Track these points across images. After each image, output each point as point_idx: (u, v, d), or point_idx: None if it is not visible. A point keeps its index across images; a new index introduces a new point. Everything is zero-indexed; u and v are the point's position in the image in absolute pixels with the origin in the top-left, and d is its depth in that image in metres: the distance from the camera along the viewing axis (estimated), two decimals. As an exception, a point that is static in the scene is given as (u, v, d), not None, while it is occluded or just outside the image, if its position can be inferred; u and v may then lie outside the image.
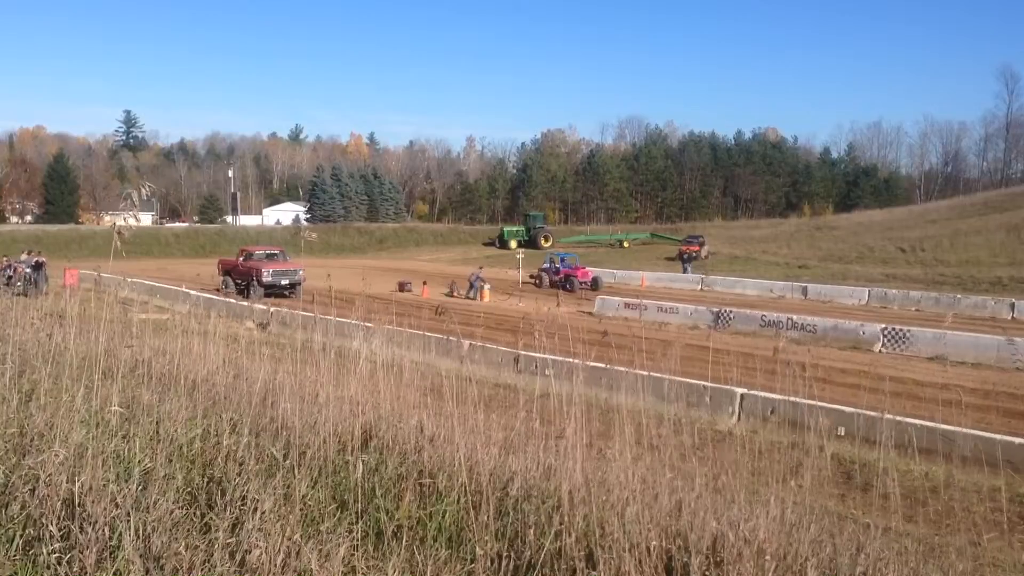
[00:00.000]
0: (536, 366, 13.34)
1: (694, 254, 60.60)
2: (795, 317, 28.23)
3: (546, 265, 45.13)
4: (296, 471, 4.50)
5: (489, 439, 5.25)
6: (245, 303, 26.80)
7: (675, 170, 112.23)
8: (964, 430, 8.87)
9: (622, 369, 6.06)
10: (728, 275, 50.27)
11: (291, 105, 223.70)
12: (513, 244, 71.90)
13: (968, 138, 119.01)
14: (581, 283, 42.57)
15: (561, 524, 3.83)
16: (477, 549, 3.73)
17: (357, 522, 4.01)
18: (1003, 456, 8.85)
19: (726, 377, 11.96)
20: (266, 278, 34.35)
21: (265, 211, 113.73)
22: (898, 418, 8.73)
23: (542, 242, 73.75)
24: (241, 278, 35.71)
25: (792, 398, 11.23)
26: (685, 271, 53.30)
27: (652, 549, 3.53)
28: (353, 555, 3.72)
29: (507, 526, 4.04)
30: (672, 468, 4.63)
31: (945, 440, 8.11)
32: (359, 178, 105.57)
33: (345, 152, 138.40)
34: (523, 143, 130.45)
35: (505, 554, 3.70)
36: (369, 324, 9.92)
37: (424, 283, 40.97)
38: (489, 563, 3.72)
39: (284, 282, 34.70)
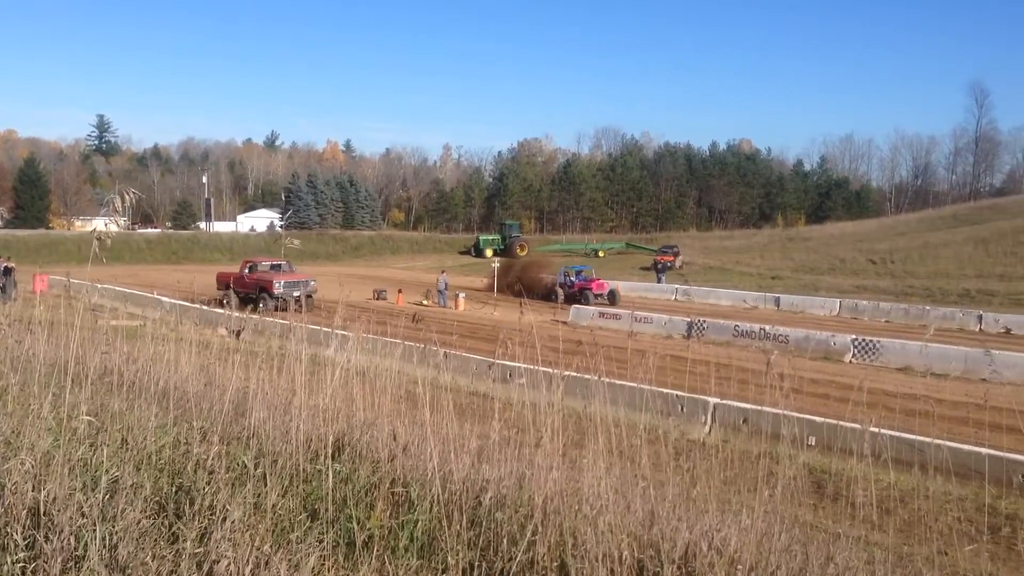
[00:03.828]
0: (511, 375, 13.35)
1: (668, 264, 60.89)
2: (768, 327, 28.43)
3: (561, 279, 43.34)
4: (267, 480, 4.46)
5: (463, 448, 5.23)
6: (220, 310, 26.56)
7: (650, 180, 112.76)
8: (934, 440, 8.94)
9: (596, 378, 6.05)
10: (703, 285, 50.54)
11: (267, 111, 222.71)
12: (489, 253, 71.98)
13: (938, 152, 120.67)
14: (597, 295, 40.85)
15: (534, 534, 3.83)
16: (449, 559, 3.71)
17: (328, 532, 3.98)
18: (972, 467, 8.95)
19: (699, 387, 12.00)
20: (277, 290, 32.88)
21: (239, 217, 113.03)
22: (868, 428, 8.79)
23: (518, 251, 73.78)
24: (246, 290, 34.23)
25: (765, 408, 11.33)
26: (660, 281, 53.53)
27: (624, 559, 3.54)
28: (323, 565, 3.69)
29: (480, 535, 4.02)
30: (645, 478, 4.63)
31: (915, 450, 8.18)
32: (335, 185, 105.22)
33: (321, 159, 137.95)
34: (500, 152, 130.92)
35: (477, 564, 3.69)
36: (344, 332, 9.87)
37: (399, 291, 40.89)
38: (461, 573, 3.71)
39: (296, 294, 32.47)
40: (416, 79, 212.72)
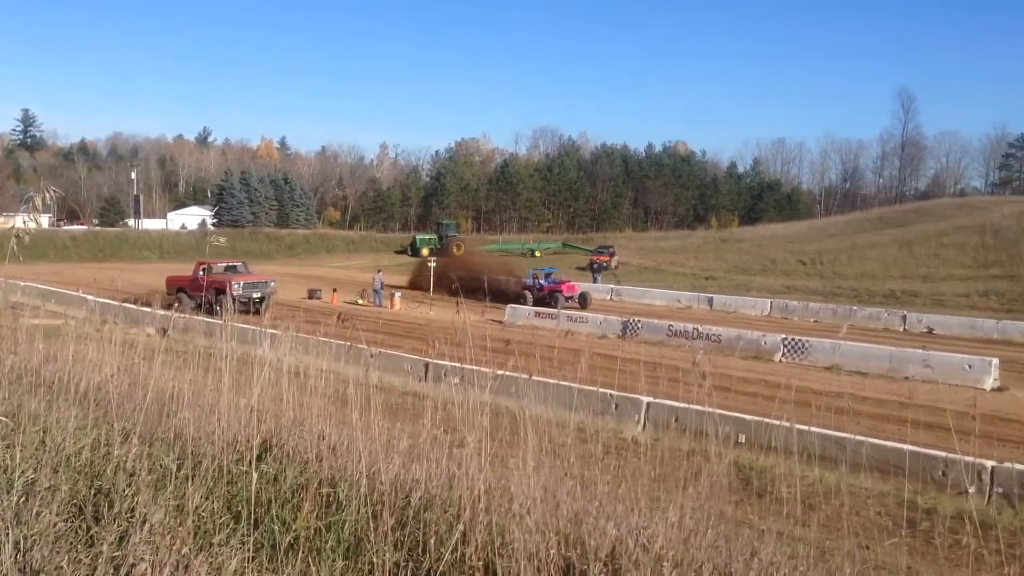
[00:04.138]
0: (445, 374, 13.30)
1: (604, 264, 61.46)
2: (701, 327, 28.87)
3: (529, 281, 42.28)
4: (190, 482, 4.36)
5: (393, 448, 5.19)
6: (147, 309, 25.89)
7: (587, 181, 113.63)
8: (857, 437, 9.19)
9: (528, 377, 6.06)
10: (638, 285, 51.11)
11: (199, 107, 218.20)
12: (425, 252, 71.66)
13: (866, 156, 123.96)
14: (568, 298, 40.10)
15: (462, 533, 3.81)
16: (375, 559, 3.67)
17: (251, 534, 3.90)
18: (894, 462, 9.21)
19: (633, 386, 12.12)
20: (236, 292, 31.07)
21: (170, 215, 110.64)
22: (795, 425, 8.97)
23: (454, 250, 73.66)
24: (201, 294, 32.46)
25: (695, 406, 11.49)
26: (595, 281, 53.97)
27: (551, 558, 3.54)
28: (246, 568, 3.62)
29: (408, 536, 3.99)
30: (575, 476, 4.65)
31: (840, 447, 8.37)
32: (269, 183, 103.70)
33: (255, 156, 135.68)
34: (437, 151, 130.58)
35: (404, 564, 3.65)
36: (275, 331, 9.72)
37: (334, 290, 40.47)
38: (387, 574, 3.67)
39: (256, 295, 32.05)
40: (353, 77, 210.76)
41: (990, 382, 21.18)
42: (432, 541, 3.84)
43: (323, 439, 5.34)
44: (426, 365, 17.58)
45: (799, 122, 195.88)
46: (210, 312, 25.67)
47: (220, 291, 31.36)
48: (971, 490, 10.61)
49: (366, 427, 5.22)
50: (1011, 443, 15.03)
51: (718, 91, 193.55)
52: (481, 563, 3.65)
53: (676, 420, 13.67)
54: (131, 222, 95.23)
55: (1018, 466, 10.95)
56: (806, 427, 8.77)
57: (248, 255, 70.35)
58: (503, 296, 38.85)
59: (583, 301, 40.59)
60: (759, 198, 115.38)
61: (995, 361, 21.91)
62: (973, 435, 8.85)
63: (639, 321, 30.85)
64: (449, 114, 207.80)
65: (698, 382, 5.47)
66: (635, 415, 14.43)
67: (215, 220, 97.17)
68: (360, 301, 39.83)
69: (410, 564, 3.69)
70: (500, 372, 7.73)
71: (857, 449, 8.88)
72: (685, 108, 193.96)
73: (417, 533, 3.98)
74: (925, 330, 34.24)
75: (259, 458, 4.98)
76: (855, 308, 39.44)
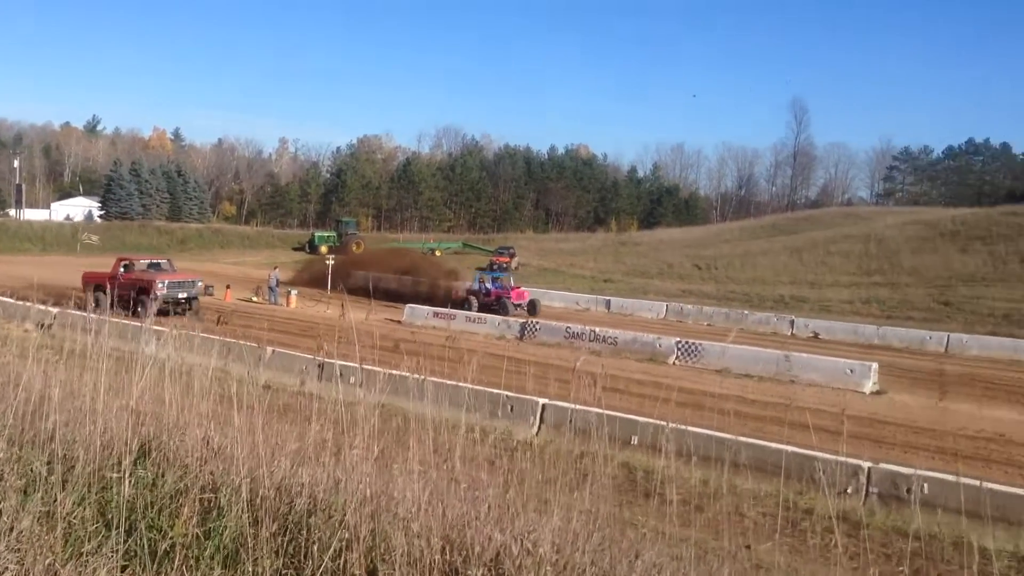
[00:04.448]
0: (340, 374, 13.10)
1: (504, 265, 61.69)
2: (598, 329, 29.27)
3: (475, 286, 40.15)
4: (61, 487, 4.17)
5: (280, 450, 5.07)
6: (27, 303, 24.57)
7: (490, 181, 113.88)
8: (741, 438, 9.43)
9: (422, 379, 6.01)
10: (537, 287, 51.49)
11: (88, 94, 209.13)
12: (324, 249, 70.56)
13: (760, 164, 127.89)
14: (516, 305, 37.75)
15: (346, 539, 3.74)
16: (254, 567, 3.57)
17: (125, 542, 3.75)
18: (776, 463, 9.49)
19: (529, 387, 12.18)
20: (160, 291, 29.21)
21: (53, 205, 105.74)
22: (682, 427, 9.20)
23: (353, 248, 72.79)
24: (122, 292, 28.81)
25: (590, 408, 11.65)
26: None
27: (435, 563, 3.51)
28: (117, 577, 3.47)
29: (290, 542, 3.90)
30: (460, 480, 4.63)
31: (724, 448, 8.58)
32: (161, 175, 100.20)
33: (147, 146, 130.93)
34: (339, 147, 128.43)
35: (284, 571, 3.57)
36: (160, 328, 9.40)
37: (227, 287, 39.44)
38: (266, 581, 3.58)
39: (182, 296, 30.32)
40: (252, 69, 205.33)
41: (869, 385, 22.18)
42: (315, 547, 3.76)
43: (207, 442, 5.17)
44: (320, 365, 17.29)
45: (698, 129, 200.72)
46: (135, 314, 23.15)
47: (143, 291, 29.49)
48: (848, 491, 11.06)
49: (252, 429, 5.09)
50: (887, 444, 15.72)
51: (619, 95, 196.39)
52: (364, 569, 3.59)
53: (570, 422, 13.83)
54: (12, 212, 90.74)
55: (892, 467, 11.45)
56: (693, 428, 9.01)
57: (137, 249, 68.04)
58: (437, 300, 38.10)
59: (532, 308, 38.56)
60: (658, 202, 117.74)
61: (875, 365, 22.95)
62: (842, 438, 9.21)
63: (537, 323, 31.10)
64: (351, 111, 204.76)
65: (590, 383, 5.53)
66: (530, 417, 14.51)
67: (102, 212, 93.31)
68: (255, 299, 38.95)
69: (291, 571, 3.61)
70: (393, 372, 7.66)
71: (741, 450, 9.13)
72: (588, 112, 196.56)
73: (300, 539, 3.90)
74: (811, 335, 35.58)
75: (137, 462, 4.79)
76: (746, 312, 40.66)
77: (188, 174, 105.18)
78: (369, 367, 6.36)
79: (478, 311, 36.03)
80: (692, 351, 25.99)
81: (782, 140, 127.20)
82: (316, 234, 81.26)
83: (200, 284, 32.14)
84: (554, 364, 12.49)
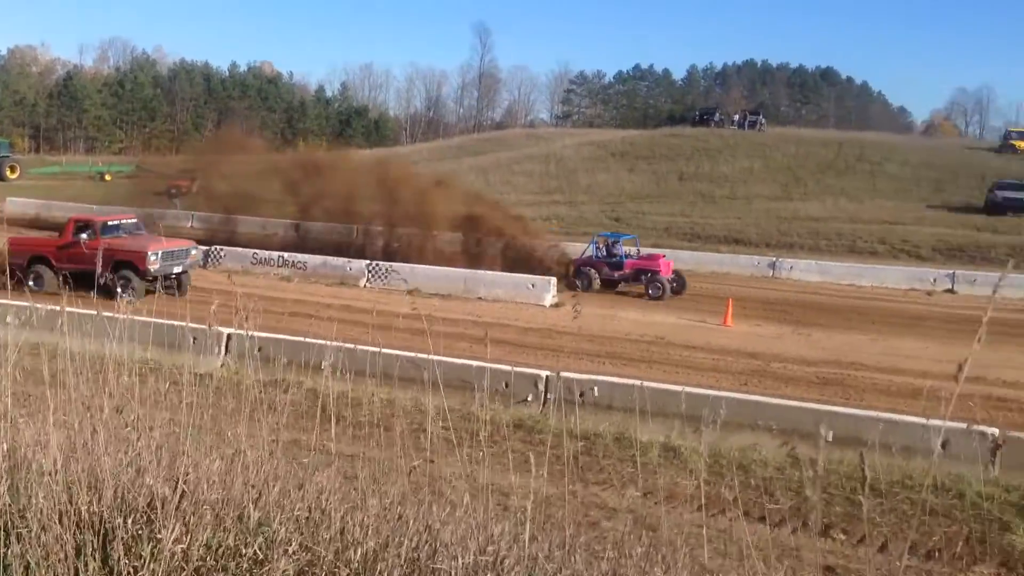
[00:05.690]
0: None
1: (183, 189, 57.75)
2: (287, 255, 28.63)
3: (591, 253, 27.67)
4: None
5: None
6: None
7: (165, 99, 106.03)
8: (431, 356, 9.65)
9: (61, 309, 5.45)
10: (220, 212, 48.97)
11: None
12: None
13: (448, 86, 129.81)
14: (671, 281, 26.23)
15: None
16: None
17: None
18: (462, 378, 9.85)
19: (207, 318, 11.60)
20: (153, 265, 21.42)
21: None
22: (360, 347, 9.30)
23: (8, 173, 64.85)
24: (83, 267, 16.38)
25: (280, 336, 11.34)
26: (174, 207, 50.72)
27: (82, 517, 3.19)
28: None
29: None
30: (130, 422, 4.27)
31: (414, 367, 8.73)
32: None
33: None
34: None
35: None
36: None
37: None
38: None
39: (177, 270, 22.45)
40: None
41: (549, 299, 23.71)
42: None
43: None
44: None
45: (386, 50, 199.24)
46: (109, 295, 13.77)
47: (125, 264, 21.59)
48: (529, 399, 11.77)
49: None
50: (563, 354, 16.94)
51: (304, 12, 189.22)
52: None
53: (260, 350, 13.42)
54: None
55: (567, 374, 12.31)
56: (380, 349, 9.08)
57: None
58: (526, 268, 26.61)
59: (681, 284, 26.72)
60: (347, 123, 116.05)
61: (553, 280, 24.54)
62: (524, 348, 9.70)
63: (222, 249, 29.69)
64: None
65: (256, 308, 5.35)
66: (216, 348, 13.91)
67: None
68: None
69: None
70: (49, 307, 6.92)
71: (432, 368, 9.36)
72: (271, 28, 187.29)
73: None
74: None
75: None
76: (436, 233, 41.54)
77: None
78: (13, 302, 5.66)
79: (599, 288, 26.23)
80: (382, 273, 26.19)
81: (468, 62, 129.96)
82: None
83: (194, 252, 24.09)
84: (244, 292, 11.96)
